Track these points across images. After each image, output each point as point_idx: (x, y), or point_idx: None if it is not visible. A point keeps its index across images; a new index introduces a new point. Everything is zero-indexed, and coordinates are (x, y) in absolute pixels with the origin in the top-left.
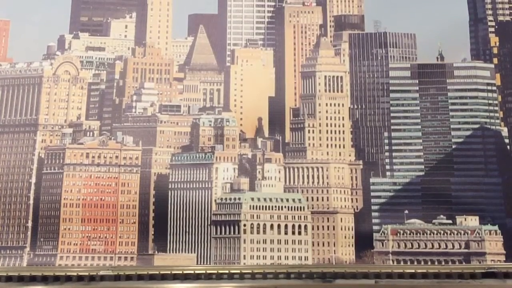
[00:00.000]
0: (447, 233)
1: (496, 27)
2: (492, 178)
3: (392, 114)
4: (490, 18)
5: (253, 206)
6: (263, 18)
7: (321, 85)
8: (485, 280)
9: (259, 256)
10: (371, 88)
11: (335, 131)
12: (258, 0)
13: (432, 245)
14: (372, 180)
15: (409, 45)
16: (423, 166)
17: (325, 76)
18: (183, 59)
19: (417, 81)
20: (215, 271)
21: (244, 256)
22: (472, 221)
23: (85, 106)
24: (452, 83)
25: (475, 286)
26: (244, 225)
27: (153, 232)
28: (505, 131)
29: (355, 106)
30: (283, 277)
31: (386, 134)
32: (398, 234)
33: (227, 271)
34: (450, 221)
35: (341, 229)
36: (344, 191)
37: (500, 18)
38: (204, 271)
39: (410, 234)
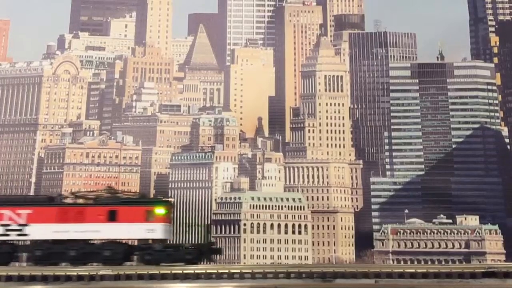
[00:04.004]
0: (447, 233)
1: (496, 26)
2: (492, 178)
3: (392, 114)
4: (490, 17)
5: (253, 205)
6: (263, 17)
7: (321, 84)
8: (485, 279)
9: (259, 255)
10: (371, 87)
11: (335, 131)
12: (258, 0)
13: (432, 245)
14: (372, 179)
15: (409, 44)
16: (423, 166)
17: (325, 76)
18: (183, 59)
19: (417, 81)
20: (215, 271)
21: (244, 255)
22: (472, 220)
23: (85, 106)
24: (452, 82)
25: (475, 285)
26: (244, 224)
27: None
28: (505, 131)
29: (355, 106)
30: (283, 276)
31: (386, 133)
32: (398, 234)
33: (227, 271)
34: (450, 221)
35: (341, 228)
36: (344, 191)
37: (500, 17)
38: (204, 271)
39: (410, 233)
